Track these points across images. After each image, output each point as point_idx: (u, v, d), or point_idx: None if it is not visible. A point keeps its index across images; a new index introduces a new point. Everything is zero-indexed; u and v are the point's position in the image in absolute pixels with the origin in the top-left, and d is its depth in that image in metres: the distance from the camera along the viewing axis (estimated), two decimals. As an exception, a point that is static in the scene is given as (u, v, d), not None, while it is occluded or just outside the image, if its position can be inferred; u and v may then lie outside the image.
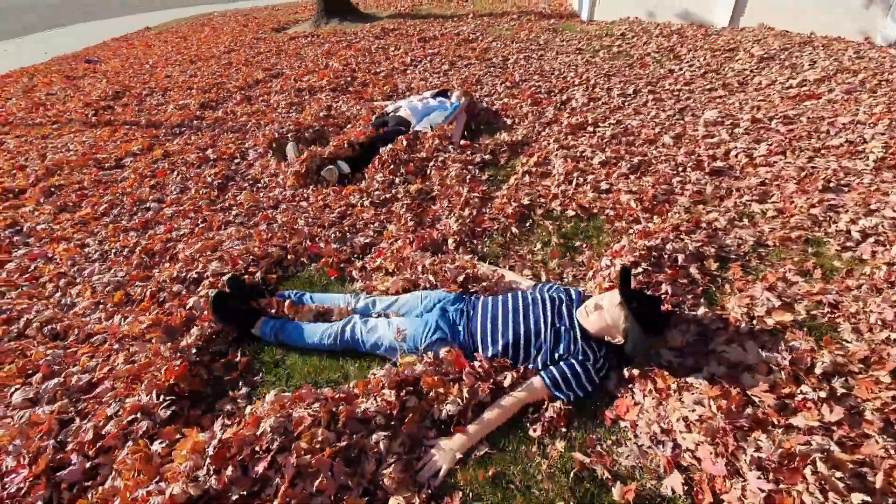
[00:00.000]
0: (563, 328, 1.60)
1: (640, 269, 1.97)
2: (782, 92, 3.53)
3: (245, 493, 1.30)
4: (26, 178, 3.44)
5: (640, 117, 3.51)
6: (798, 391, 1.44)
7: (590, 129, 3.40)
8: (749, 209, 2.37)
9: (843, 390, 1.44)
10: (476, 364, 1.61)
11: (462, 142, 3.32)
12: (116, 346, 1.91)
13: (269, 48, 6.81)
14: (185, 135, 4.02)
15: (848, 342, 1.62)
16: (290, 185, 2.98)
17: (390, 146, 3.16)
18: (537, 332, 1.59)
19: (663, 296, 1.85)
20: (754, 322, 1.73)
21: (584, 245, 2.30)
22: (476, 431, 1.46)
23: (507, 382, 1.56)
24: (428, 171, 2.99)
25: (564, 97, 4.02)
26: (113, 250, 2.54)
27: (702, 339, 1.69)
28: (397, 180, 2.89)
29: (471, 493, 1.35)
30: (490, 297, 1.75)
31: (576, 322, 1.61)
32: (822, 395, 1.41)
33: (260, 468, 1.34)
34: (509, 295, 1.75)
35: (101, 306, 2.16)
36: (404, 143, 3.19)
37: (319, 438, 1.39)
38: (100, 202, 3.04)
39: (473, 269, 2.08)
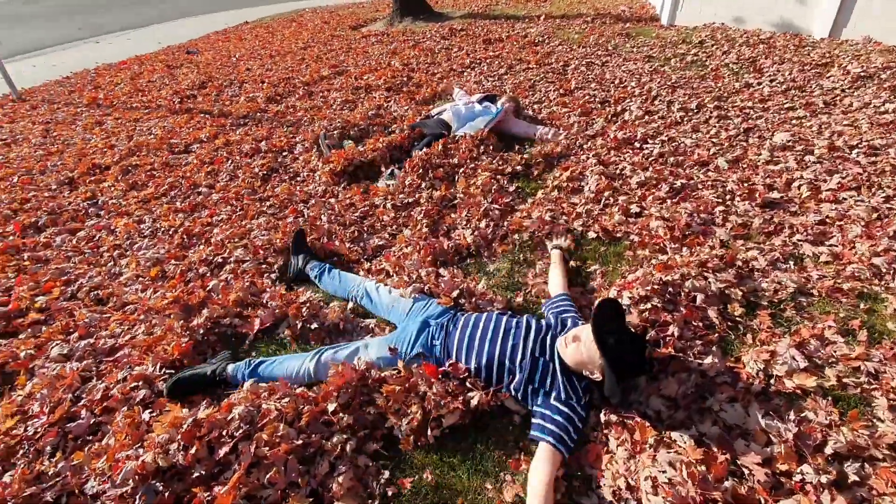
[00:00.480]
0: (542, 360, 1.52)
1: (648, 305, 1.82)
2: (873, 117, 3.05)
3: (205, 472, 1.40)
4: (112, 157, 3.91)
5: (697, 135, 3.22)
6: (798, 470, 1.26)
7: (637, 144, 3.18)
8: (799, 250, 2.09)
9: (856, 478, 1.23)
10: (447, 367, 1.59)
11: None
12: (142, 317, 2.12)
13: (341, 45, 7.13)
14: (247, 126, 4.34)
15: (880, 421, 1.39)
16: (324, 181, 3.11)
17: (425, 150, 3.18)
18: (512, 358, 1.53)
19: (668, 338, 1.69)
20: (771, 382, 1.53)
21: (599, 271, 2.17)
22: None
23: (474, 402, 1.52)
24: (456, 178, 2.98)
25: (619, 108, 3.79)
26: (161, 229, 2.82)
27: (701, 393, 1.53)
28: (423, 185, 2.91)
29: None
30: (473, 315, 1.71)
31: (556, 354, 1.53)
32: (826, 479, 1.22)
33: (223, 452, 1.43)
34: (493, 314, 1.70)
35: (140, 279, 2.41)
36: (440, 147, 3.20)
37: (280, 433, 1.45)
38: (163, 183, 3.38)
39: (474, 284, 2.05)
